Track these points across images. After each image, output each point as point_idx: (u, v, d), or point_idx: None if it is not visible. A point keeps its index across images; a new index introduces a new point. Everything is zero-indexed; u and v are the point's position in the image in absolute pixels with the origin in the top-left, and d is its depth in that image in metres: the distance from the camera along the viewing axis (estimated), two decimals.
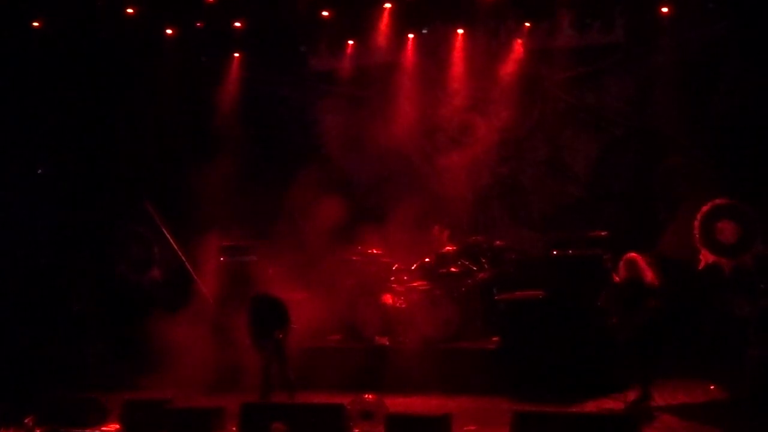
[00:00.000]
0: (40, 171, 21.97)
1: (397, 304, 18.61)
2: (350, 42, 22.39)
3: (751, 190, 17.68)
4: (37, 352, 18.79)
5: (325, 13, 20.97)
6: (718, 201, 17.63)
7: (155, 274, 20.63)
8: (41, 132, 21.49)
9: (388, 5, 20.81)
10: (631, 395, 14.95)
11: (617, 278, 15.46)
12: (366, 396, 14.64)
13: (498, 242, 19.61)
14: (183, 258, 20.07)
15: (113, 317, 20.04)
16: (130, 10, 20.11)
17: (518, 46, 21.68)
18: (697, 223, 17.63)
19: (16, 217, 20.63)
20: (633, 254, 15.37)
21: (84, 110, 21.43)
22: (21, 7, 19.77)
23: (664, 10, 19.82)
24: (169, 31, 21.47)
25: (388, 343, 18.10)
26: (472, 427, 14.28)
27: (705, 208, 17.64)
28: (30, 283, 20.48)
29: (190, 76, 22.22)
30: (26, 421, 13.96)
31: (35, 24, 20.17)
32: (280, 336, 16.30)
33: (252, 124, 22.62)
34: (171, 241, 20.11)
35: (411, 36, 22.20)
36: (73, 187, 21.51)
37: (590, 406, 14.82)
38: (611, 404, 15.00)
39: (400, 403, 15.44)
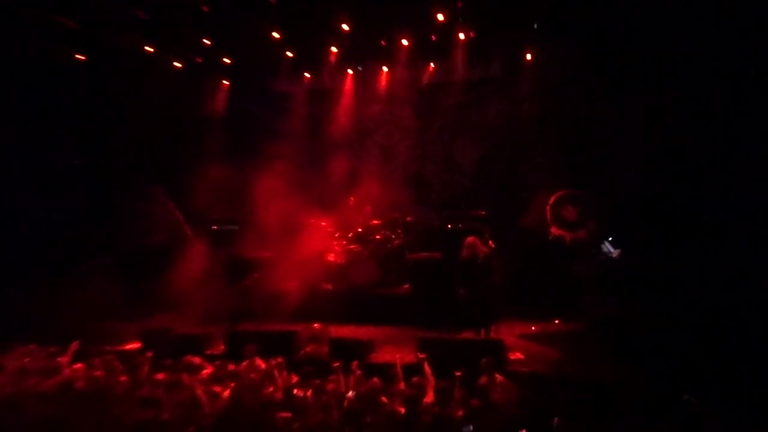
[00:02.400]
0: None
1: (337, 261, 18.76)
2: (306, 74, 22.92)
3: (588, 181, 17.81)
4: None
5: (289, 54, 21.39)
6: (564, 190, 17.67)
7: (161, 238, 20.60)
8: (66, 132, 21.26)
9: (334, 49, 21.20)
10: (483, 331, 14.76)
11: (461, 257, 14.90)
12: (314, 325, 14.97)
13: (409, 218, 19.68)
14: (184, 226, 20.37)
15: (132, 271, 19.95)
16: (150, 49, 20.07)
17: (425, 79, 22.31)
18: (548, 207, 17.57)
19: (57, 195, 20.63)
20: (471, 238, 14.91)
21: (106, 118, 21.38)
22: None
23: (528, 56, 20.48)
24: (177, 64, 21.59)
25: (330, 288, 18.21)
26: (390, 348, 14.79)
27: (554, 196, 17.59)
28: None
29: (188, 95, 22.32)
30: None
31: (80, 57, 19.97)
32: (249, 284, 17.22)
33: (231, 131, 22.65)
34: (176, 214, 20.38)
35: (350, 71, 22.70)
36: (100, 177, 21.55)
37: (471, 335, 14.85)
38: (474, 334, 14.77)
39: (339, 330, 15.72)
